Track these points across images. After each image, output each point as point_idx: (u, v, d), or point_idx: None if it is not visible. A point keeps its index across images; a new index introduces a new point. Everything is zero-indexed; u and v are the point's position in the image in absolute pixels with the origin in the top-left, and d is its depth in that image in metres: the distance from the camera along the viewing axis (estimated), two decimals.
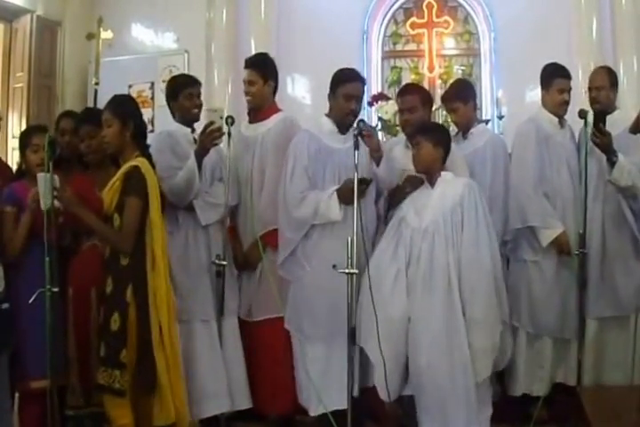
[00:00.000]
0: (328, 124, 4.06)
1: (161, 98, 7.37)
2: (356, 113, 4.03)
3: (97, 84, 6.69)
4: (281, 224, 4.02)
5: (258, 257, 4.09)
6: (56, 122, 4.08)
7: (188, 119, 4.09)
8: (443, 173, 3.84)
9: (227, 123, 3.88)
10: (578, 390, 4.00)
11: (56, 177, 3.30)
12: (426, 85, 6.86)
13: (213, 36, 7.37)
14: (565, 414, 4.09)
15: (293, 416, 4.23)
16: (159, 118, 6.67)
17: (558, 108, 4.32)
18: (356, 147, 3.56)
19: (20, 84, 7.59)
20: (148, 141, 3.69)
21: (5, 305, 3.34)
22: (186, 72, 6.66)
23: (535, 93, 5.16)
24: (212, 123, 3.82)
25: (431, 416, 3.63)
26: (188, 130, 4.09)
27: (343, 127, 3.99)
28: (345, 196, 3.75)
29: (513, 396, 4.19)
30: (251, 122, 4.40)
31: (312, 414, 3.86)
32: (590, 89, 4.32)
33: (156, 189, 3.47)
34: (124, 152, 3.56)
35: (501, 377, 4.15)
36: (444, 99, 4.61)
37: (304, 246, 3.95)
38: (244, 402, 4.04)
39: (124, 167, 3.48)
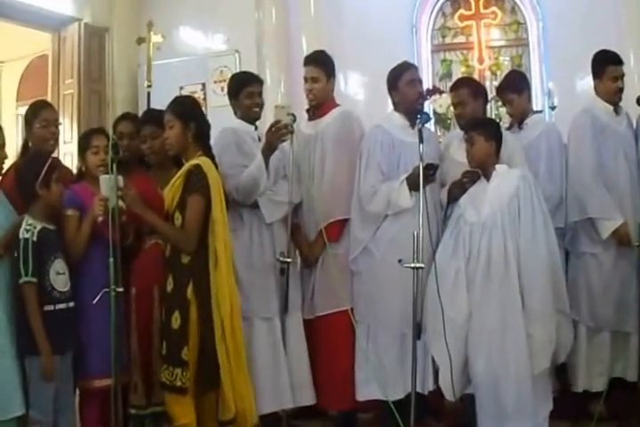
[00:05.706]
0: (399, 119, 4.15)
1: (213, 99, 7.49)
2: (424, 95, 4.15)
3: (149, 86, 6.76)
4: (354, 222, 4.09)
5: (318, 251, 4.12)
6: (113, 125, 4.08)
7: (249, 117, 4.09)
8: (497, 166, 3.85)
9: None
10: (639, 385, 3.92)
11: (120, 177, 3.31)
12: (476, 78, 6.79)
13: (263, 35, 7.40)
14: (625, 411, 4.01)
15: (355, 413, 4.22)
16: (212, 119, 6.67)
17: (613, 96, 4.25)
18: (421, 140, 3.56)
19: (70, 91, 7.71)
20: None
21: (71, 304, 3.39)
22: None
23: (586, 82, 5.06)
24: (279, 120, 3.79)
25: (488, 412, 3.63)
26: (252, 127, 4.09)
27: (414, 119, 3.95)
28: (415, 182, 3.70)
29: (573, 392, 4.12)
30: (310, 119, 4.39)
31: (391, 399, 3.75)
32: None
33: (218, 187, 3.45)
34: (187, 153, 3.55)
35: (560, 373, 4.09)
36: (499, 91, 4.62)
37: (374, 235, 4.01)
38: (307, 398, 4.05)
39: (186, 166, 3.48)
